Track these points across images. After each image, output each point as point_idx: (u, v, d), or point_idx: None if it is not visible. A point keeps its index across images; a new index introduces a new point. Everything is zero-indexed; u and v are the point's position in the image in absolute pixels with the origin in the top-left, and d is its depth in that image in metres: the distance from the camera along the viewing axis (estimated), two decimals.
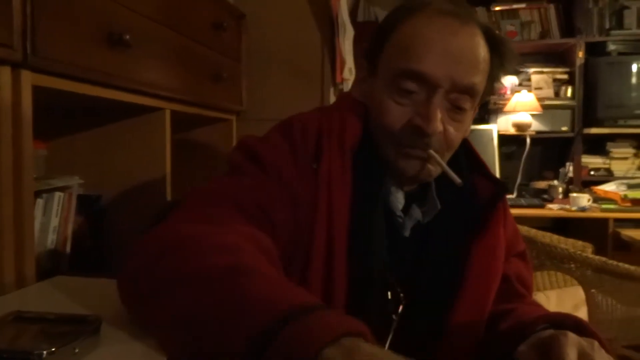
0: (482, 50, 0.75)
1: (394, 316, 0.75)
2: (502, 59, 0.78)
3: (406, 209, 0.80)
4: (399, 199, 0.79)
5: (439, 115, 0.72)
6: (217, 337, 0.43)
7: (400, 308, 0.75)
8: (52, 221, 1.10)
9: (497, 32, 0.79)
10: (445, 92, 0.73)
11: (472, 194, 0.82)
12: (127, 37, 1.00)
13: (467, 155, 0.86)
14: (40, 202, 1.08)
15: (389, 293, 0.75)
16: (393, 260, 0.77)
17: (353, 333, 0.41)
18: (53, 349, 0.44)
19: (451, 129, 0.75)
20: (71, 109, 1.25)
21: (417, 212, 0.80)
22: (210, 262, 0.50)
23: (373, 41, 0.80)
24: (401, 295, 0.76)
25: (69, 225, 1.15)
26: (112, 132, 1.27)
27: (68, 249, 1.14)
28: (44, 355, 0.43)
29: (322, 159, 0.73)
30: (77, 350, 0.46)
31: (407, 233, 0.79)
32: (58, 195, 1.11)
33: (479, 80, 0.74)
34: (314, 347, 0.38)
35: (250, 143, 0.76)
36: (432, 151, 0.74)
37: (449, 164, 0.78)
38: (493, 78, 0.79)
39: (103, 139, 1.28)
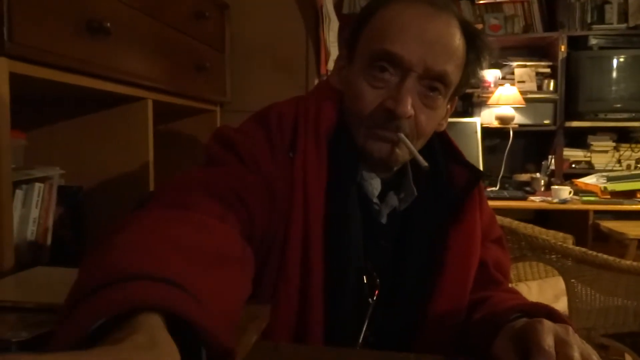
0: (457, 40, 0.76)
1: (370, 300, 0.76)
2: (478, 52, 0.79)
3: (383, 196, 0.81)
4: (374, 185, 0.80)
5: (409, 99, 0.73)
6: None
7: (376, 293, 0.77)
8: (32, 212, 1.08)
9: (474, 26, 0.80)
10: (419, 77, 0.74)
11: (449, 181, 0.84)
12: (107, 24, 0.98)
13: (443, 145, 0.87)
14: (19, 193, 1.06)
15: (365, 278, 0.76)
16: (370, 247, 0.78)
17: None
18: (31, 337, 0.43)
19: (422, 116, 0.76)
20: (51, 99, 1.23)
21: (393, 199, 0.81)
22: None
23: (352, 30, 0.80)
24: (377, 280, 0.77)
25: (50, 216, 1.13)
26: (93, 122, 1.26)
27: (49, 240, 1.12)
28: (21, 341, 0.42)
29: (298, 146, 0.75)
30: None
31: (383, 220, 0.80)
32: (38, 186, 1.10)
33: (452, 69, 0.75)
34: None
35: (226, 133, 0.77)
36: (401, 134, 0.75)
37: (423, 152, 0.79)
38: (468, 71, 0.80)
39: (84, 129, 1.26)
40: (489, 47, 0.80)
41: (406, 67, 0.73)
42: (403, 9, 0.74)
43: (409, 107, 0.73)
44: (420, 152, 0.78)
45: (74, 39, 0.93)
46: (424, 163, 0.76)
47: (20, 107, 0.84)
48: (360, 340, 0.76)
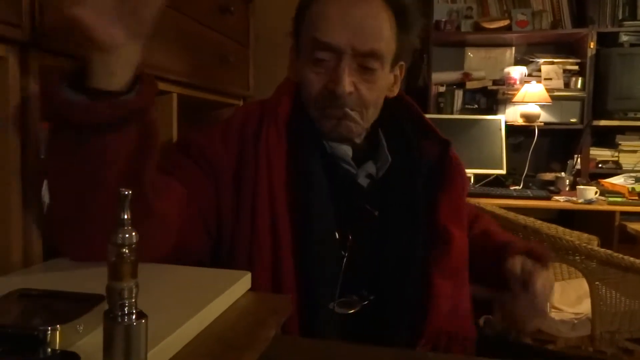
0: (382, 18, 0.86)
1: (343, 252, 0.84)
2: (407, 24, 0.89)
3: (360, 163, 0.91)
4: (345, 150, 0.90)
5: (347, 78, 0.84)
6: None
7: (349, 243, 0.85)
8: None
9: (402, 1, 0.89)
10: (351, 57, 0.84)
11: (422, 153, 0.94)
12: None
13: (413, 120, 0.98)
14: (47, 182, 1.08)
15: (336, 233, 0.85)
16: (348, 209, 0.87)
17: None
18: (57, 326, 0.44)
19: (363, 89, 0.86)
20: None
21: (370, 166, 0.91)
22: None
23: (294, 24, 0.92)
24: (349, 237, 0.85)
25: None
26: None
27: None
28: (49, 332, 0.43)
29: (261, 132, 0.86)
30: (81, 328, 0.47)
31: (362, 182, 0.90)
32: None
33: (380, 46, 0.85)
34: None
35: (186, 135, 0.91)
36: (347, 109, 0.86)
37: (390, 125, 0.94)
38: (404, 41, 0.90)
39: None
40: (417, 17, 0.91)
41: (338, 51, 0.84)
42: (329, 0, 0.85)
43: (346, 85, 0.84)
44: (386, 124, 0.94)
45: None
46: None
47: None
48: (336, 300, 0.82)
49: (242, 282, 0.67)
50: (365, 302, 0.84)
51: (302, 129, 0.88)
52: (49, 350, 0.43)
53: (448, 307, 0.86)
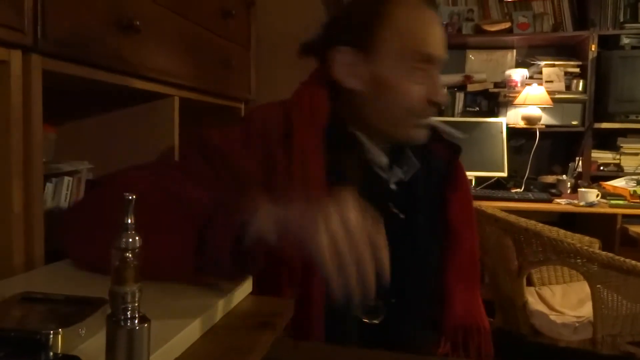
0: None
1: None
2: None
3: (389, 168, 0.93)
4: (381, 156, 0.91)
5: (443, 89, 0.91)
6: (161, 242, 0.57)
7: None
8: (61, 205, 1.11)
9: None
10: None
11: (432, 154, 0.97)
12: (137, 22, 1.00)
13: None
14: (49, 186, 1.09)
15: None
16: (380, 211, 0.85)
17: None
18: (59, 330, 0.44)
19: None
20: (81, 94, 1.26)
21: (398, 171, 0.93)
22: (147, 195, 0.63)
23: (358, 29, 0.87)
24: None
25: None
26: (121, 117, 1.28)
27: None
28: (51, 335, 0.43)
29: (294, 136, 0.83)
30: (83, 331, 0.47)
31: (393, 186, 0.92)
32: (67, 179, 1.12)
33: None
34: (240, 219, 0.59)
35: (203, 133, 0.85)
36: (432, 118, 0.90)
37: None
38: None
39: (112, 124, 1.28)
40: None
41: (435, 62, 0.87)
42: (418, 13, 0.87)
43: (445, 96, 0.89)
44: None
45: (104, 36, 0.95)
46: (459, 135, 0.96)
47: (50, 101, 0.86)
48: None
49: (244, 286, 0.68)
50: (389, 307, 0.85)
51: (340, 133, 0.88)
52: (51, 354, 0.43)
53: (463, 306, 0.90)
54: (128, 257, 0.37)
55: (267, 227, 0.60)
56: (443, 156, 0.97)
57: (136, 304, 0.38)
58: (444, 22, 3.06)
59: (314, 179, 0.81)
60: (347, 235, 0.56)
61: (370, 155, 0.90)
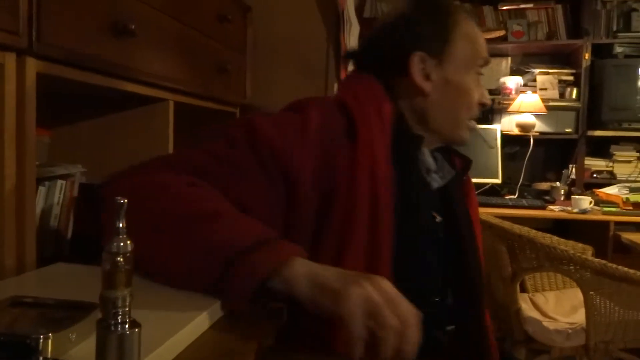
0: None
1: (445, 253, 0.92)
2: None
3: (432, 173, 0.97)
4: (431, 161, 0.96)
5: None
6: (190, 265, 0.61)
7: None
8: (53, 209, 1.10)
9: None
10: None
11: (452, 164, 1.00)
12: (132, 26, 1.00)
13: None
14: (42, 189, 1.08)
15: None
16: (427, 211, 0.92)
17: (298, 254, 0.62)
18: (49, 334, 0.44)
19: None
20: (75, 97, 1.25)
21: (436, 176, 0.96)
22: (183, 208, 0.66)
23: (433, 37, 0.90)
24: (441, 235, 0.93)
25: (71, 213, 1.15)
26: (115, 121, 1.28)
27: (69, 237, 1.14)
28: (41, 340, 0.43)
29: (359, 134, 0.81)
30: (73, 336, 0.47)
31: (434, 190, 0.95)
32: (60, 183, 1.12)
33: None
34: (271, 266, 0.59)
35: (253, 119, 0.81)
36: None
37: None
38: None
39: (106, 128, 1.28)
40: None
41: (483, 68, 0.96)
42: (473, 21, 0.96)
43: None
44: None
45: (99, 40, 0.95)
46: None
47: (44, 104, 0.85)
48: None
49: None
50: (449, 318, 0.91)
51: (407, 135, 0.90)
52: (41, 358, 0.43)
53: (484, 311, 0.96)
54: (119, 261, 0.37)
55: (298, 281, 0.60)
56: (458, 165, 1.01)
57: (127, 309, 0.38)
58: None
59: (383, 180, 0.80)
60: (383, 304, 0.56)
61: (423, 157, 0.93)
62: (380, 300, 0.56)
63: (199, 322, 0.56)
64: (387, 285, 0.59)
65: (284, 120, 0.81)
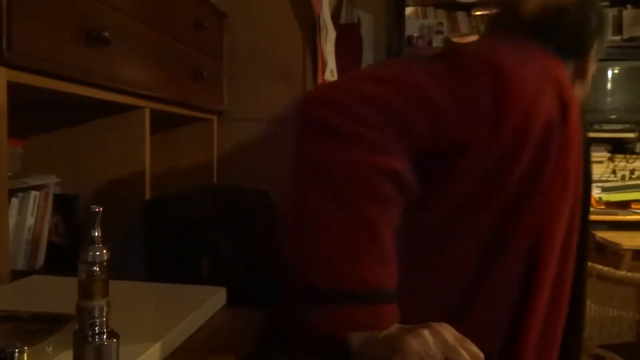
0: None
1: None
2: None
3: None
4: None
5: None
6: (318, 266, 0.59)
7: None
8: (27, 220, 1.08)
9: None
10: None
11: None
12: (106, 33, 0.99)
13: None
14: (15, 201, 1.06)
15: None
16: None
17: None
18: (25, 348, 0.43)
19: None
20: (48, 106, 1.23)
21: None
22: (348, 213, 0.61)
23: (594, 36, 1.01)
24: None
25: (45, 224, 1.13)
26: (90, 130, 1.26)
27: (44, 248, 1.12)
28: (16, 354, 0.42)
29: (569, 112, 0.75)
30: (50, 349, 0.46)
31: None
32: (34, 194, 1.09)
33: None
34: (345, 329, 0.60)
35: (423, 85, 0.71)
36: None
37: None
38: None
39: (81, 137, 1.26)
40: None
41: None
42: None
43: None
44: None
45: (72, 48, 0.94)
46: None
47: (16, 114, 0.84)
48: None
49: (217, 298, 0.67)
50: None
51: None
52: None
53: None
54: (95, 270, 0.37)
55: (369, 349, 0.60)
56: None
57: (104, 319, 0.37)
58: (415, 35, 3.12)
59: (577, 154, 0.81)
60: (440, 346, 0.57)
61: None
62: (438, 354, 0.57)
63: (179, 331, 0.55)
64: (447, 331, 0.59)
65: (467, 87, 0.73)
